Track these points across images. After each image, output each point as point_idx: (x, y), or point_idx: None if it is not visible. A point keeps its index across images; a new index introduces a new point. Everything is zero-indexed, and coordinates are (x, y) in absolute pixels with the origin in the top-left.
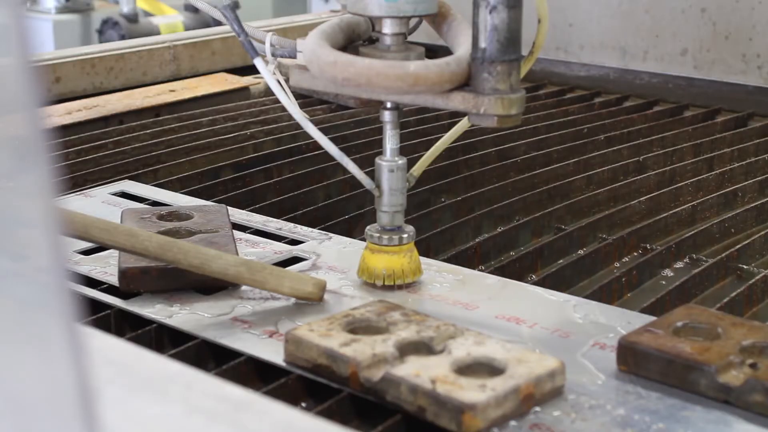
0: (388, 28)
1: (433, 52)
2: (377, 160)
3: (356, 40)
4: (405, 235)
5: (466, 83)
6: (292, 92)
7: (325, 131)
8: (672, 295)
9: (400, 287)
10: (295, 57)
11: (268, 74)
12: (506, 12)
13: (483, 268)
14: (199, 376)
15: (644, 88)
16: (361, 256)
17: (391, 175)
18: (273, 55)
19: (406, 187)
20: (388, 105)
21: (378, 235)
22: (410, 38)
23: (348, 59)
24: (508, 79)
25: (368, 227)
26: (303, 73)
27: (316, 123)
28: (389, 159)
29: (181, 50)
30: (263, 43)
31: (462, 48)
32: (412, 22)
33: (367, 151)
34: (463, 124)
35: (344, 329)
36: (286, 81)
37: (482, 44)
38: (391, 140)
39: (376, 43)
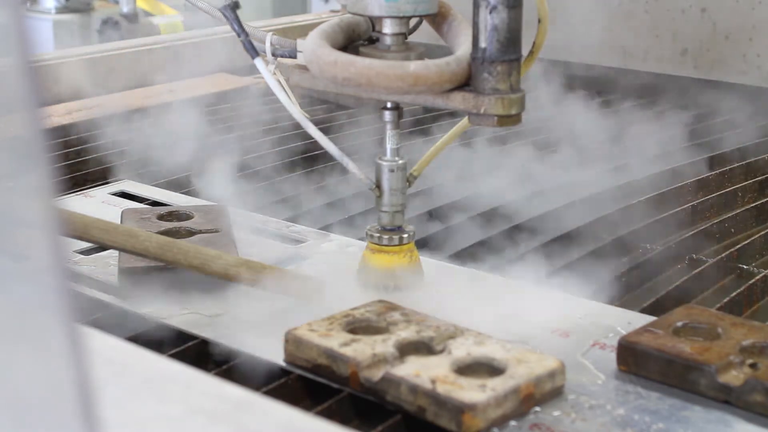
0: (388, 28)
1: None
2: (377, 160)
3: (356, 40)
4: (405, 235)
5: (466, 83)
6: (292, 92)
7: (325, 131)
8: (672, 295)
9: (400, 287)
10: (295, 57)
11: (268, 74)
12: (506, 12)
13: (483, 268)
14: (199, 376)
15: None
16: (361, 256)
17: (391, 175)
18: (273, 55)
19: (406, 187)
20: (388, 105)
21: (378, 235)
22: (410, 38)
23: (348, 59)
24: (508, 79)
25: (368, 227)
26: (303, 73)
27: (316, 123)
28: (389, 159)
29: (181, 50)
30: (263, 43)
31: (462, 48)
32: (412, 22)
33: (367, 151)
34: (463, 124)
35: (344, 329)
36: (286, 81)
37: (482, 44)
38: (391, 140)
39: (377, 43)
